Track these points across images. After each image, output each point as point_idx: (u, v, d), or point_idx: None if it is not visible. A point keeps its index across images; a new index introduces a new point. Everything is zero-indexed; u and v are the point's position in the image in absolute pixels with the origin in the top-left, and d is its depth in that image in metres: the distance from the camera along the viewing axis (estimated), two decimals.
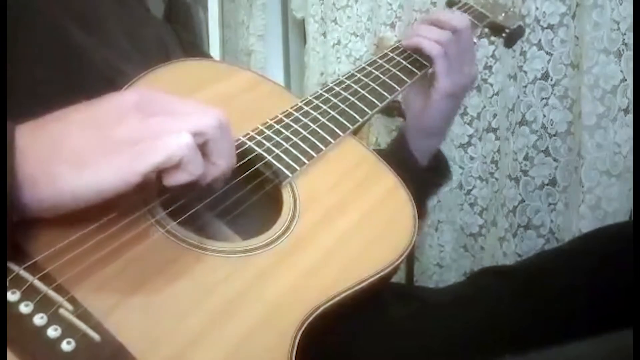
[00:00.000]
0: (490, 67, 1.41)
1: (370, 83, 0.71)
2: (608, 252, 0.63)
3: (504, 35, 0.92)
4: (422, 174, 0.83)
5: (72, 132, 0.44)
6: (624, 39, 1.18)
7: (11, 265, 0.41)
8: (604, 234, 0.68)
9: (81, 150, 0.43)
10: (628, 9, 1.17)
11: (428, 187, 0.88)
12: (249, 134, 0.59)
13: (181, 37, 0.79)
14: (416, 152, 0.83)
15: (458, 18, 0.80)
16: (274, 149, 0.59)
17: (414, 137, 0.84)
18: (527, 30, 1.30)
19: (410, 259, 1.47)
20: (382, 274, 0.52)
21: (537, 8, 1.30)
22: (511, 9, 0.95)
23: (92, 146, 0.43)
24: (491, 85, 1.42)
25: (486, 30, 0.93)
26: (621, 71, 1.19)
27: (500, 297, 0.66)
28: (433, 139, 0.85)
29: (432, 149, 0.85)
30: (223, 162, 0.49)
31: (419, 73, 0.77)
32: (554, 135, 1.33)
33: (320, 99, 0.67)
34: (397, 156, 0.81)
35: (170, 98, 0.48)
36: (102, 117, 0.45)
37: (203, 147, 0.47)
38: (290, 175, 0.57)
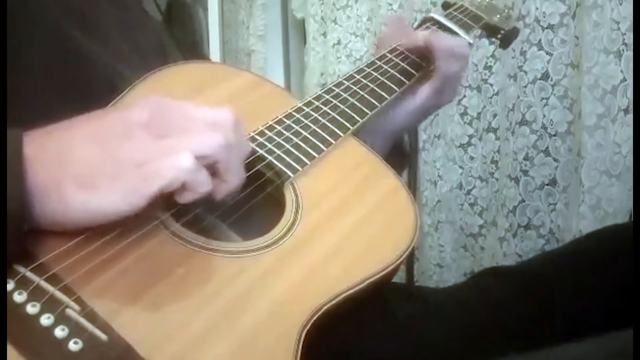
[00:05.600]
0: (490, 67, 1.41)
1: (370, 84, 0.72)
2: (608, 253, 0.63)
3: (499, 36, 0.93)
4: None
5: (80, 145, 0.44)
6: (624, 39, 1.18)
7: (17, 267, 0.42)
8: (604, 234, 0.68)
9: (88, 167, 0.43)
10: (628, 9, 1.17)
11: None
12: (250, 135, 0.59)
13: (179, 39, 0.80)
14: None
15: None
16: (275, 149, 0.59)
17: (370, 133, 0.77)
18: (527, 31, 1.30)
19: (410, 259, 1.46)
20: (383, 272, 0.53)
21: (537, 8, 1.30)
22: (506, 11, 0.95)
23: (98, 164, 0.43)
24: (491, 85, 1.41)
25: (482, 31, 0.93)
26: (621, 71, 1.19)
27: (502, 298, 0.67)
28: (385, 141, 0.80)
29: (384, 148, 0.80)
30: (233, 179, 0.49)
31: (417, 74, 0.77)
32: (554, 135, 1.33)
33: (321, 100, 0.67)
34: None
35: (181, 113, 0.47)
36: (109, 132, 0.45)
37: (212, 166, 0.47)
38: (292, 175, 0.58)
